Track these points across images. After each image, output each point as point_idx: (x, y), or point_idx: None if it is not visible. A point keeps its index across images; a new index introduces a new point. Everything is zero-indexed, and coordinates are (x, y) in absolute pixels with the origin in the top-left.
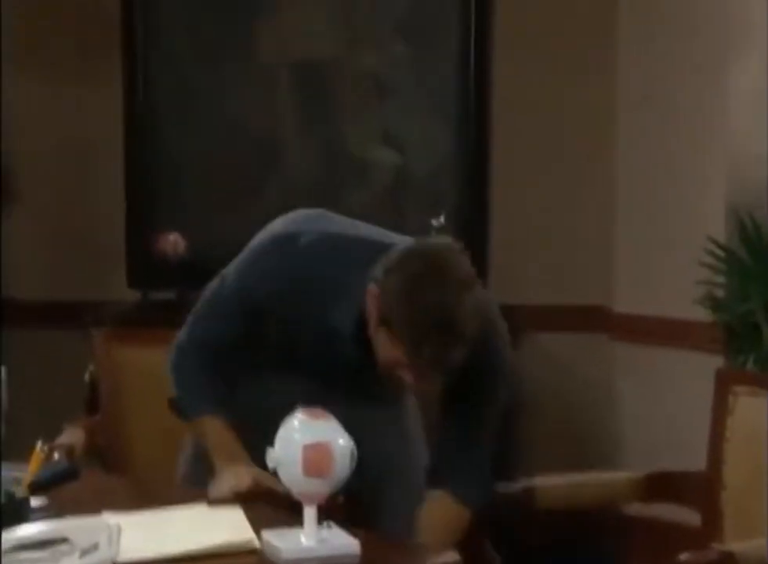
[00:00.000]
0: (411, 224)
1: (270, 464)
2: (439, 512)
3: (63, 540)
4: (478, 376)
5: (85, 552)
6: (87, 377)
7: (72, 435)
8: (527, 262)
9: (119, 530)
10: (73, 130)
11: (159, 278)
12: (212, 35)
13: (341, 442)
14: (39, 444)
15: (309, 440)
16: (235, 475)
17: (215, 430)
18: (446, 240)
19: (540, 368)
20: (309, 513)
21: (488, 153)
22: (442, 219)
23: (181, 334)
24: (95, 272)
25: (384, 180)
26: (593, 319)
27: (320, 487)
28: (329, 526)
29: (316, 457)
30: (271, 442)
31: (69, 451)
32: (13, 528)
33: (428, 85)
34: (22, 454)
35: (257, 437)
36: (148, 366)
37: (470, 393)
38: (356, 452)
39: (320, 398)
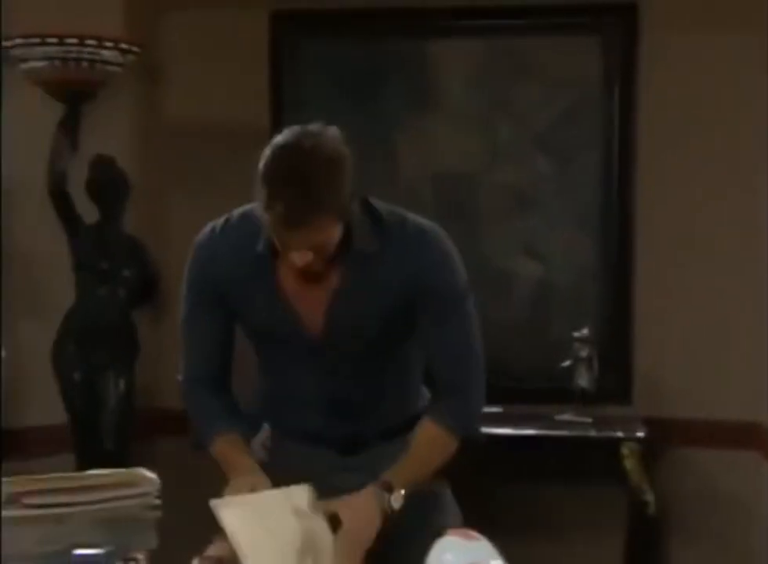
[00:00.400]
0: (553, 336)
1: None
2: (424, 438)
3: None
4: (421, 287)
5: None
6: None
7: (221, 548)
8: (673, 375)
9: None
10: None
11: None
12: (354, 144)
13: (493, 563)
14: (196, 561)
15: (462, 562)
16: (234, 488)
17: (222, 452)
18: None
19: (685, 484)
20: None
21: (632, 264)
22: (585, 331)
23: (179, 375)
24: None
25: (526, 292)
26: (744, 435)
27: None
28: None
29: None
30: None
31: None
32: None
33: (570, 197)
34: None
35: (292, 406)
36: None
37: (426, 314)
38: None
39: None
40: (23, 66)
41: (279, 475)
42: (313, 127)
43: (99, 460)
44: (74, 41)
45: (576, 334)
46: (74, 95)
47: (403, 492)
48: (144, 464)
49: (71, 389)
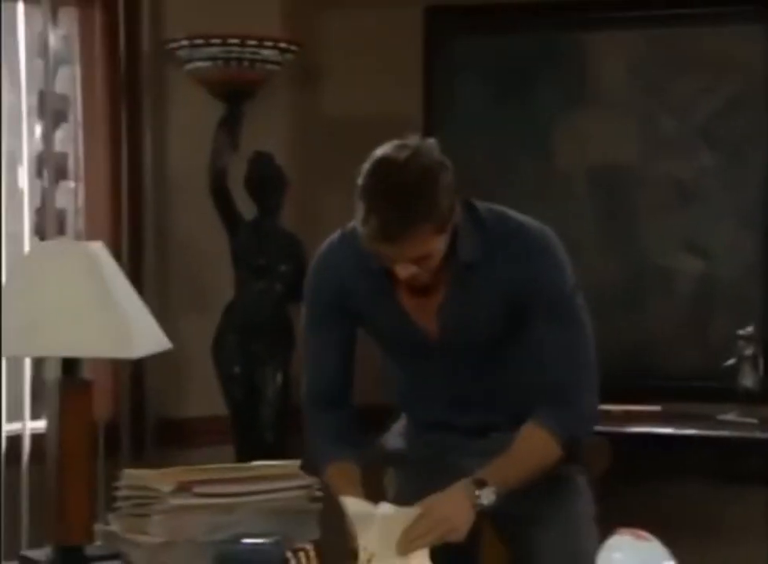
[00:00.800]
0: (716, 334)
1: None
2: (525, 440)
3: None
4: (529, 294)
5: None
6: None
7: None
8: None
9: None
10: None
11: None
12: (508, 144)
13: None
14: (361, 550)
15: (632, 562)
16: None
17: (332, 479)
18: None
19: None
20: None
21: None
22: (750, 329)
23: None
24: None
25: (688, 289)
26: None
27: None
28: None
29: None
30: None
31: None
32: None
33: (733, 191)
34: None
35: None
36: None
37: (533, 317)
38: None
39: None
40: (188, 66)
41: (414, 462)
42: (411, 140)
43: (257, 452)
44: (236, 41)
45: (740, 332)
46: (235, 94)
47: (494, 489)
48: (300, 457)
49: (231, 382)
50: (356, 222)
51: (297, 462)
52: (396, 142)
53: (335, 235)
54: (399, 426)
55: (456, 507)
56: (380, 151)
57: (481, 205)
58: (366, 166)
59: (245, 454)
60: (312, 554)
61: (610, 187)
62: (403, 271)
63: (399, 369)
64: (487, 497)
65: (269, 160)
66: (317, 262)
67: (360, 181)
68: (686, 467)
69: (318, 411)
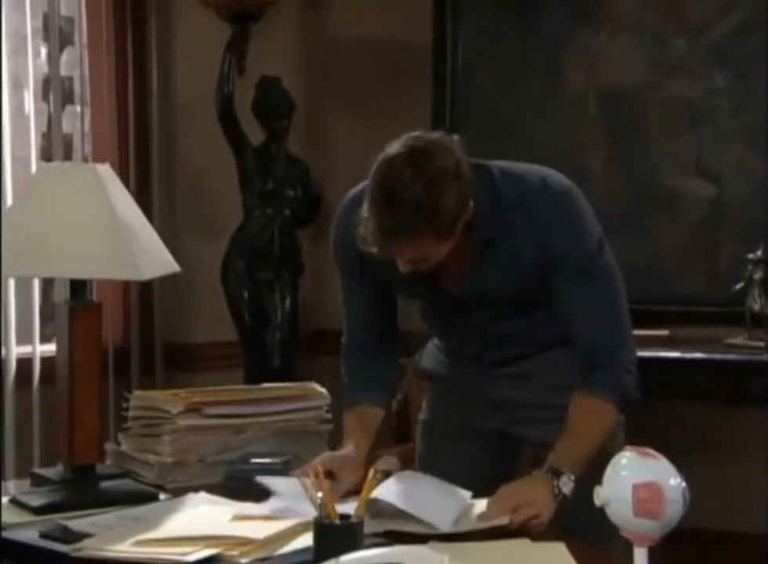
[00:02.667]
0: (725, 257)
1: (598, 502)
2: (580, 413)
3: None
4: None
5: None
6: (395, 405)
7: (388, 463)
8: None
9: (450, 561)
10: None
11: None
12: (518, 65)
13: (672, 482)
14: (372, 472)
15: (639, 479)
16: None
17: (346, 421)
18: (433, 134)
19: None
20: (641, 555)
21: None
22: (759, 253)
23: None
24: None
25: (697, 212)
26: None
27: (651, 529)
28: None
29: (647, 497)
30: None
31: (385, 478)
32: (349, 552)
33: (745, 113)
34: None
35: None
36: None
37: (560, 279)
38: (688, 494)
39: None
40: None
41: (448, 381)
42: (428, 139)
43: (265, 376)
44: None
45: (750, 256)
46: (242, 15)
47: (572, 476)
48: (307, 381)
49: (239, 307)
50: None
51: (310, 384)
52: (412, 139)
53: (355, 191)
54: (432, 348)
55: (541, 494)
56: (392, 150)
57: (496, 168)
58: (375, 166)
59: (253, 378)
60: (320, 473)
61: (619, 108)
62: (403, 266)
63: (428, 314)
64: (566, 485)
65: (277, 84)
66: (336, 221)
67: (370, 173)
68: (693, 390)
69: (351, 360)
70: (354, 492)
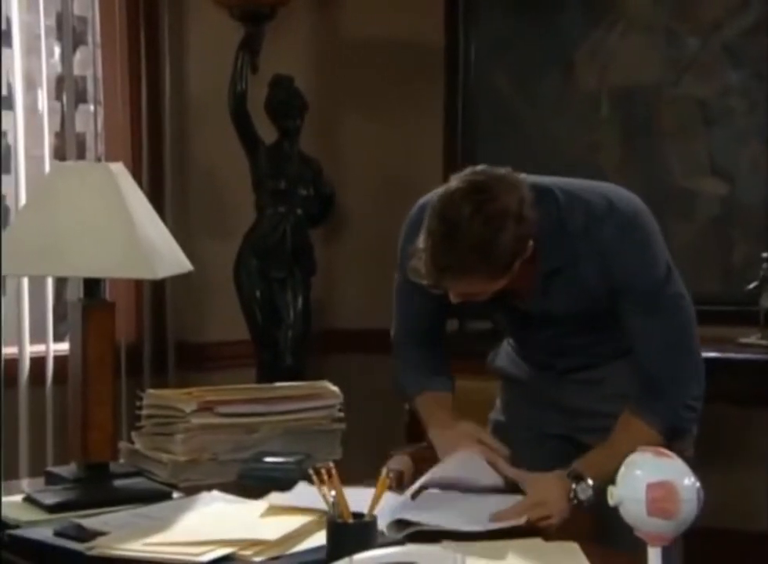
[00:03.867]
0: (739, 256)
1: (612, 501)
2: (623, 431)
3: None
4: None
5: None
6: (407, 404)
7: (400, 462)
8: None
9: (464, 560)
10: (395, 161)
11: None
12: (531, 65)
13: (686, 482)
14: (384, 471)
15: (653, 479)
16: (453, 439)
17: (424, 406)
18: (499, 170)
19: None
20: (654, 555)
21: None
22: None
23: (392, 332)
24: None
25: (710, 211)
26: None
27: (665, 528)
28: None
29: (661, 496)
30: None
31: (398, 478)
32: (362, 551)
33: (759, 112)
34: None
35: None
36: (464, 395)
37: (626, 305)
38: (702, 493)
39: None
40: None
41: (520, 384)
42: (492, 175)
43: (278, 375)
44: None
45: (764, 255)
46: (255, 15)
47: (591, 483)
48: (320, 379)
49: (252, 306)
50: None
51: (322, 383)
52: (476, 173)
53: (426, 199)
54: (507, 348)
55: (555, 496)
56: (454, 184)
57: (559, 191)
58: (435, 199)
59: (266, 377)
60: (333, 472)
61: (633, 107)
62: (453, 299)
63: (498, 320)
64: (583, 491)
65: (289, 83)
66: (405, 227)
67: (428, 209)
68: (706, 390)
69: (409, 347)
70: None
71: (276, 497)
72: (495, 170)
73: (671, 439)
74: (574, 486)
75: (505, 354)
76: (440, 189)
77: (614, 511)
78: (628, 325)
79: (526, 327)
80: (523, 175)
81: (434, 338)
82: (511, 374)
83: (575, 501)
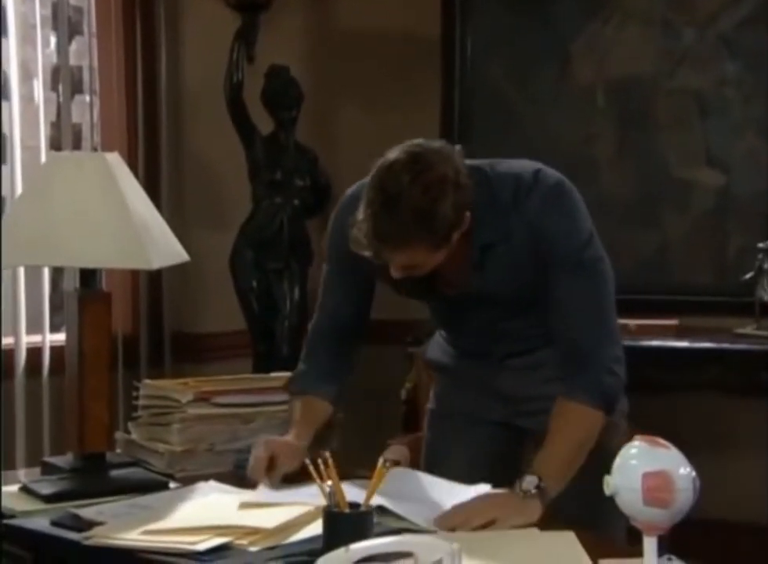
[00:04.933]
0: (735, 247)
1: (608, 491)
2: (561, 417)
3: (408, 554)
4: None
5: None
6: (403, 394)
7: (397, 452)
8: None
9: (460, 551)
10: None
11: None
12: (527, 56)
13: (682, 471)
14: (381, 460)
15: (649, 468)
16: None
17: (297, 409)
18: (434, 142)
19: None
20: (650, 544)
21: None
22: None
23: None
24: None
25: (706, 202)
26: None
27: (661, 518)
28: (670, 559)
29: (656, 486)
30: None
31: (395, 466)
32: (358, 541)
33: (755, 103)
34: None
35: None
36: None
37: (548, 275)
38: (698, 482)
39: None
40: None
41: (454, 373)
42: (428, 147)
43: (274, 366)
44: None
45: (759, 245)
46: (251, 5)
47: (536, 477)
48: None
49: (248, 296)
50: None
51: None
52: (413, 146)
53: (354, 188)
54: (439, 339)
55: (501, 499)
56: (392, 155)
57: (490, 169)
58: (373, 170)
59: (262, 367)
60: (330, 462)
61: (629, 99)
62: (395, 272)
63: (431, 310)
64: (530, 483)
65: (286, 73)
66: (333, 216)
67: (369, 178)
68: (702, 380)
69: (319, 341)
70: (289, 479)
71: (261, 493)
72: (431, 142)
73: (609, 413)
74: (518, 484)
75: (437, 345)
76: (378, 161)
77: (600, 497)
78: (549, 289)
79: (461, 311)
80: (457, 147)
81: (346, 338)
82: (443, 364)
83: (524, 494)
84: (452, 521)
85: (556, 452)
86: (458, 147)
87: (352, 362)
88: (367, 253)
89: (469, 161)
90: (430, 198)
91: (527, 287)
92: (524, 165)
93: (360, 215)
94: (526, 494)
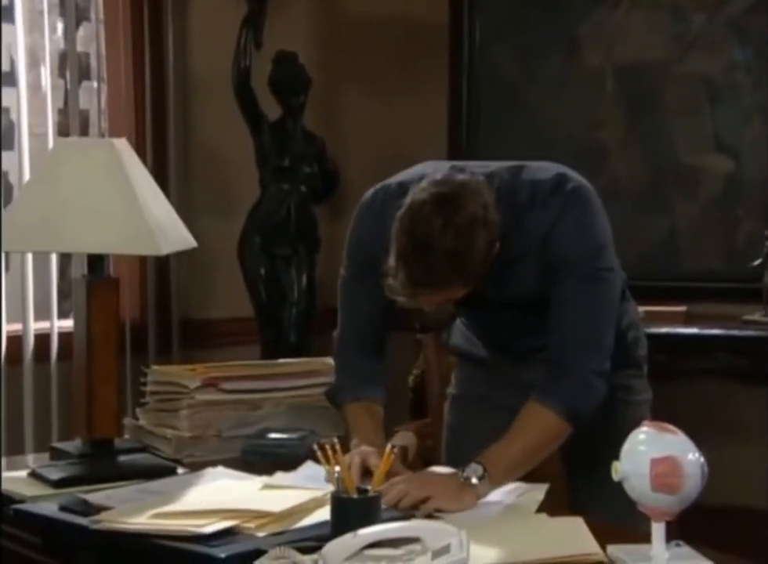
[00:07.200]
0: (743, 234)
1: (616, 476)
2: (526, 418)
3: (416, 539)
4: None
5: (437, 554)
6: (411, 381)
7: (405, 438)
8: None
9: (467, 535)
10: (399, 139)
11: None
12: (536, 42)
13: (690, 457)
14: (389, 446)
15: (657, 454)
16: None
17: (354, 415)
18: (458, 176)
19: None
20: (658, 530)
21: None
22: None
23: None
24: None
25: (715, 188)
26: None
27: (669, 503)
28: (678, 545)
29: (664, 471)
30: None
31: (403, 453)
32: (366, 526)
33: (763, 90)
34: None
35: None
36: None
37: (558, 276)
38: (706, 468)
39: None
40: None
41: (476, 361)
42: (454, 184)
43: (282, 352)
44: None
45: (767, 232)
46: None
47: (480, 466)
48: (324, 356)
49: (256, 283)
50: (386, 266)
51: (325, 359)
52: (439, 184)
53: (379, 188)
54: (461, 326)
55: (442, 479)
56: (419, 197)
57: (510, 177)
58: (401, 213)
59: (270, 354)
60: (338, 448)
61: (638, 85)
62: (427, 308)
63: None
64: (474, 471)
65: (294, 59)
66: (356, 219)
67: (395, 221)
68: (710, 367)
69: (346, 354)
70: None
71: (280, 478)
72: (455, 177)
73: (575, 424)
74: (463, 469)
75: (459, 332)
76: (404, 202)
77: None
78: (553, 291)
79: (480, 310)
80: (480, 178)
81: (376, 342)
82: (466, 351)
83: (468, 481)
84: (392, 492)
85: (510, 450)
86: (481, 178)
87: (386, 363)
88: (402, 299)
89: (492, 165)
90: (463, 241)
91: (546, 292)
92: (546, 170)
93: (392, 261)
94: (466, 481)
